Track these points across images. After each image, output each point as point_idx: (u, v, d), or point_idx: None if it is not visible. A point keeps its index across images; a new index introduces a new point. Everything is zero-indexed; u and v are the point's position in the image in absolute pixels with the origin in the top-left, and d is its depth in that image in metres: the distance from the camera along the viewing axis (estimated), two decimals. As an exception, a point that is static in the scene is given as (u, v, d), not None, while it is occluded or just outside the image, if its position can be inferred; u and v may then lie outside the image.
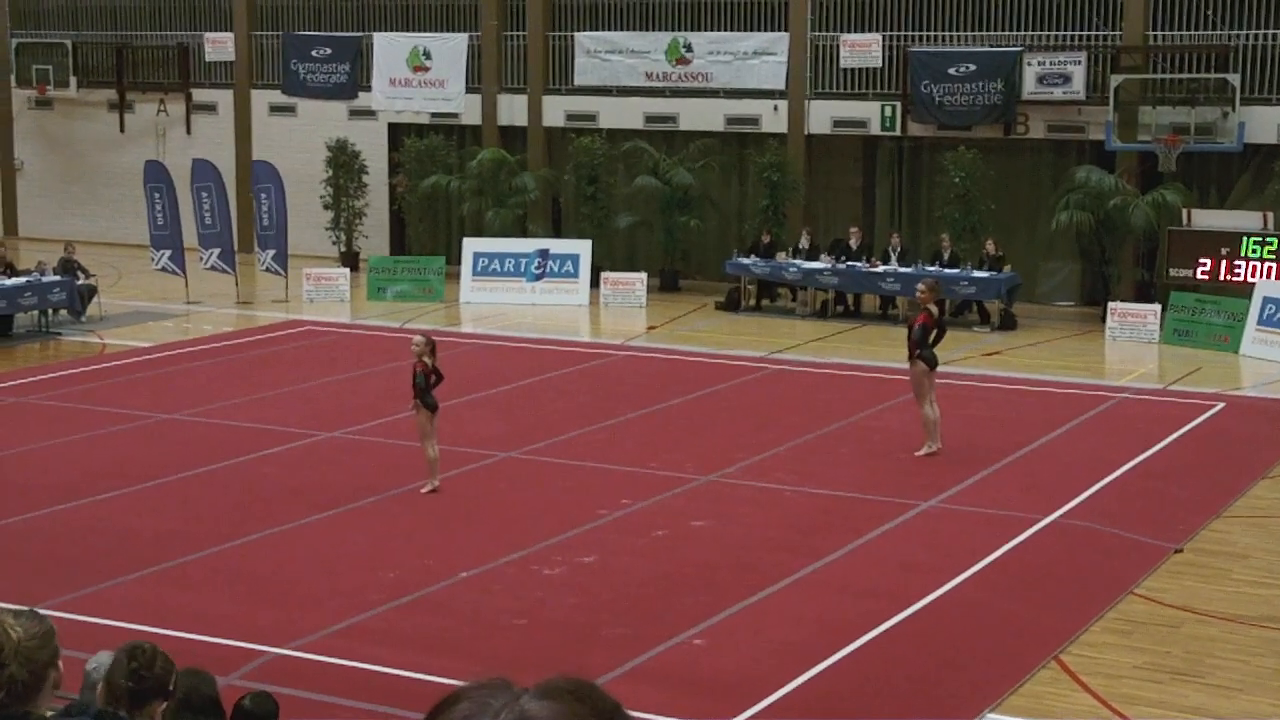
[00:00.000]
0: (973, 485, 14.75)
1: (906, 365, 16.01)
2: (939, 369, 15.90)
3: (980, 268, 24.02)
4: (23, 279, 22.84)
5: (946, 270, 23.81)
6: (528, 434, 16.63)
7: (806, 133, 27.66)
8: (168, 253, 26.01)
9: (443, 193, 28.90)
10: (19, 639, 4.36)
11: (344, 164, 30.09)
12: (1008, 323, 23.85)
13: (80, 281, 23.89)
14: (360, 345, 22.37)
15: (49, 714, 4.53)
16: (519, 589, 11.60)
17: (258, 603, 11.29)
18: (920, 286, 16.05)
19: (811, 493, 14.42)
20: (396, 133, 30.80)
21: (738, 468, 15.29)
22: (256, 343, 22.32)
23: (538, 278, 26.44)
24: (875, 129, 27.15)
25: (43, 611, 4.55)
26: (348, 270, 27.36)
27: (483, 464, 15.42)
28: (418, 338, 14.33)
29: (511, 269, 26.52)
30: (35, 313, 23.21)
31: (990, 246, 24.26)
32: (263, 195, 26.58)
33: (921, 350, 15.50)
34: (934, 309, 15.81)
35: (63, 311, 23.50)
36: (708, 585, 11.75)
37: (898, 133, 27.01)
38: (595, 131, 28.60)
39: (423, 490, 14.18)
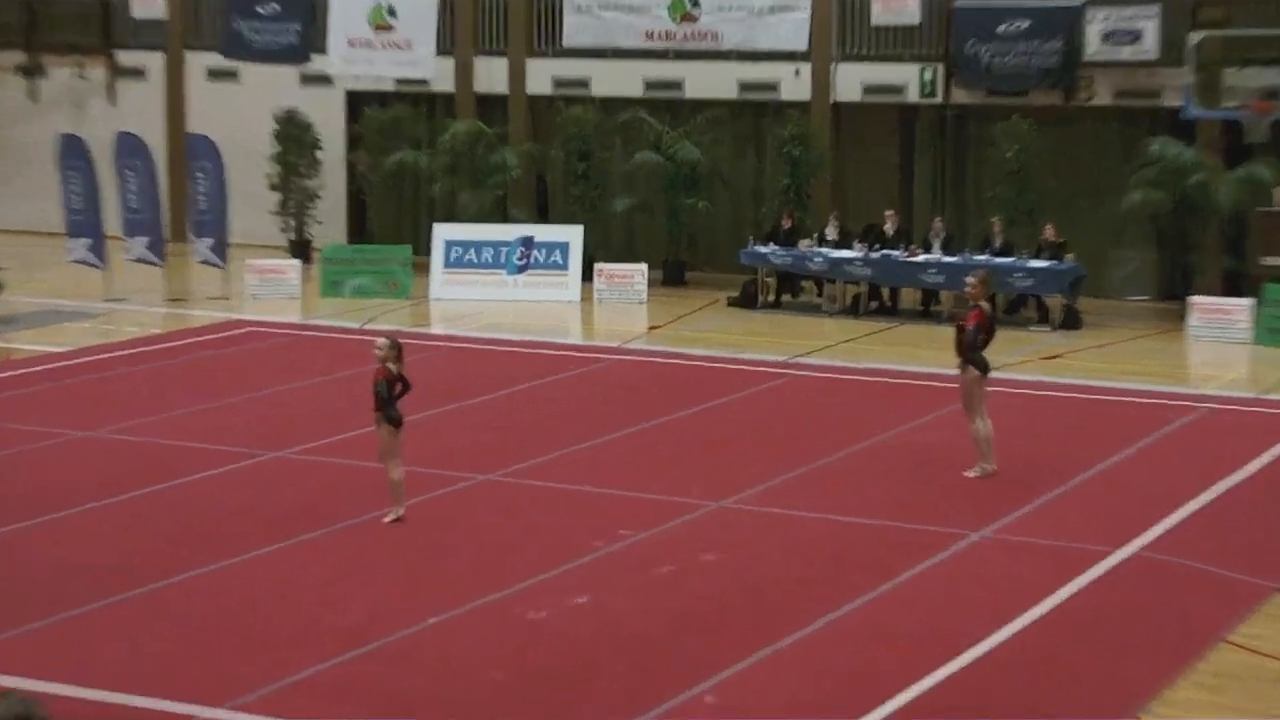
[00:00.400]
0: (1032, 512, 14.65)
1: (955, 371, 15.98)
2: (991, 375, 15.80)
3: (1038, 256, 23.97)
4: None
5: (998, 260, 23.72)
6: (509, 452, 16.53)
7: (833, 100, 27.65)
8: (86, 242, 26.00)
9: (410, 171, 28.90)
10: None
11: (294, 138, 30.08)
12: (1071, 321, 23.79)
13: (-16, 276, 23.85)
14: (313, 349, 22.33)
15: None
16: (498, 635, 11.50)
17: (190, 653, 11.18)
18: (970, 280, 16.00)
19: (841, 521, 14.33)
20: (356, 102, 30.80)
21: (754, 492, 15.20)
22: (191, 346, 22.24)
23: (521, 270, 26.39)
24: (913, 96, 27.15)
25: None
26: (299, 262, 27.33)
27: (456, 488, 15.34)
28: (382, 340, 14.28)
29: (490, 260, 26.48)
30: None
31: (1050, 232, 24.23)
32: (199, 175, 26.57)
33: (973, 355, 15.42)
34: (986, 305, 15.76)
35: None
36: (719, 631, 11.65)
37: (939, 100, 27.00)
38: (587, 100, 28.58)
39: (385, 519, 14.09)
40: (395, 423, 14.00)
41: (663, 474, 15.78)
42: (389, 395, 13.96)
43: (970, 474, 15.53)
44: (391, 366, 13.95)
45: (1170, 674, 10.98)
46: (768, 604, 12.21)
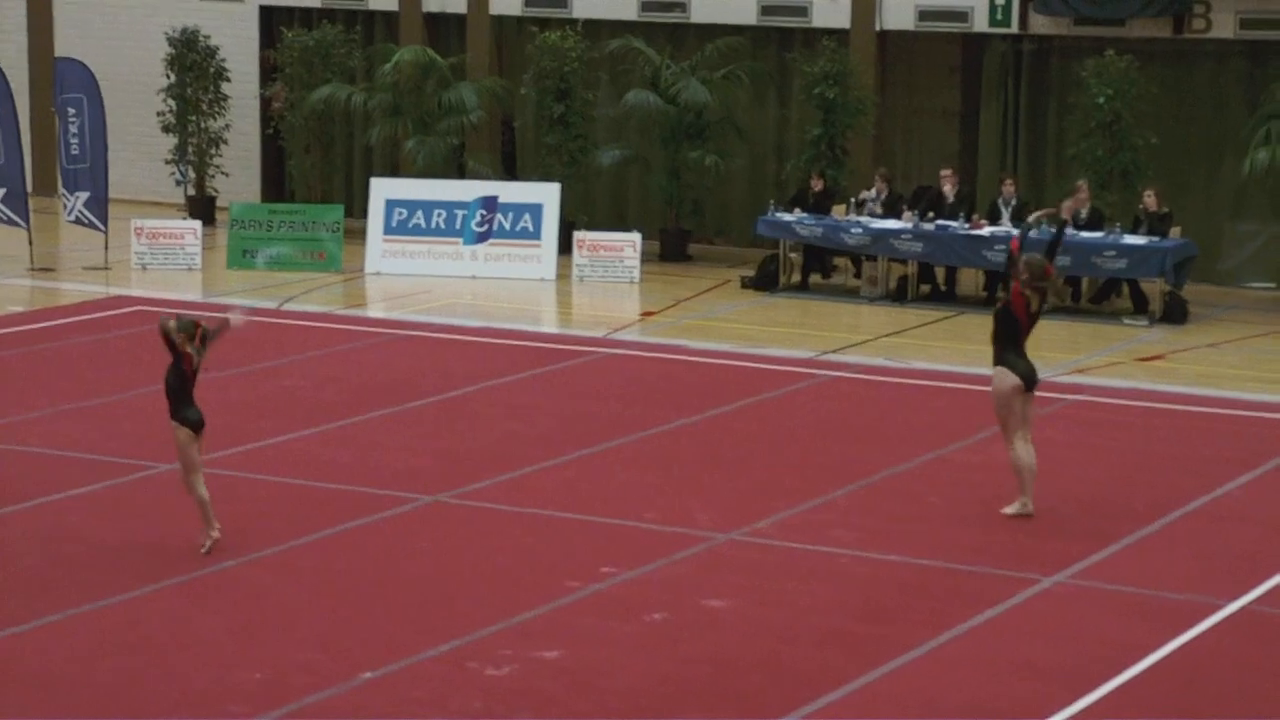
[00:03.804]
0: (1121, 553, 14.80)
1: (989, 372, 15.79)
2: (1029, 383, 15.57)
3: (1135, 231, 24.13)
4: None
5: (1084, 234, 23.89)
6: (465, 468, 16.68)
7: (879, 29, 27.77)
8: (-79, 193, 26.09)
9: (340, 111, 28.99)
10: None
11: (193, 65, 30.22)
12: (1175, 313, 23.99)
13: None
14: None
15: None
16: (450, 696, 11.61)
17: (59, 717, 11.25)
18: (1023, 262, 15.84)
19: (881, 560, 14.46)
20: (271, 20, 30.91)
21: (773, 521, 15.34)
22: (61, 329, 22.38)
23: (481, 239, 26.57)
24: (981, 24, 27.27)
25: None
26: (199, 224, 27.44)
27: (397, 511, 15.45)
28: (170, 321, 14.19)
29: (442, 225, 26.65)
30: None
31: (1151, 200, 24.35)
32: (70, 111, 26.60)
33: (1005, 353, 15.35)
34: (1033, 297, 15.50)
35: None
36: (724, 697, 11.75)
37: (1014, 29, 27.12)
38: (567, 23, 28.68)
39: (202, 549, 14.20)
40: (193, 425, 14.11)
41: (658, 497, 15.90)
42: (181, 386, 14.04)
43: (1008, 511, 15.54)
44: (191, 350, 13.98)
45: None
46: (787, 663, 12.31)
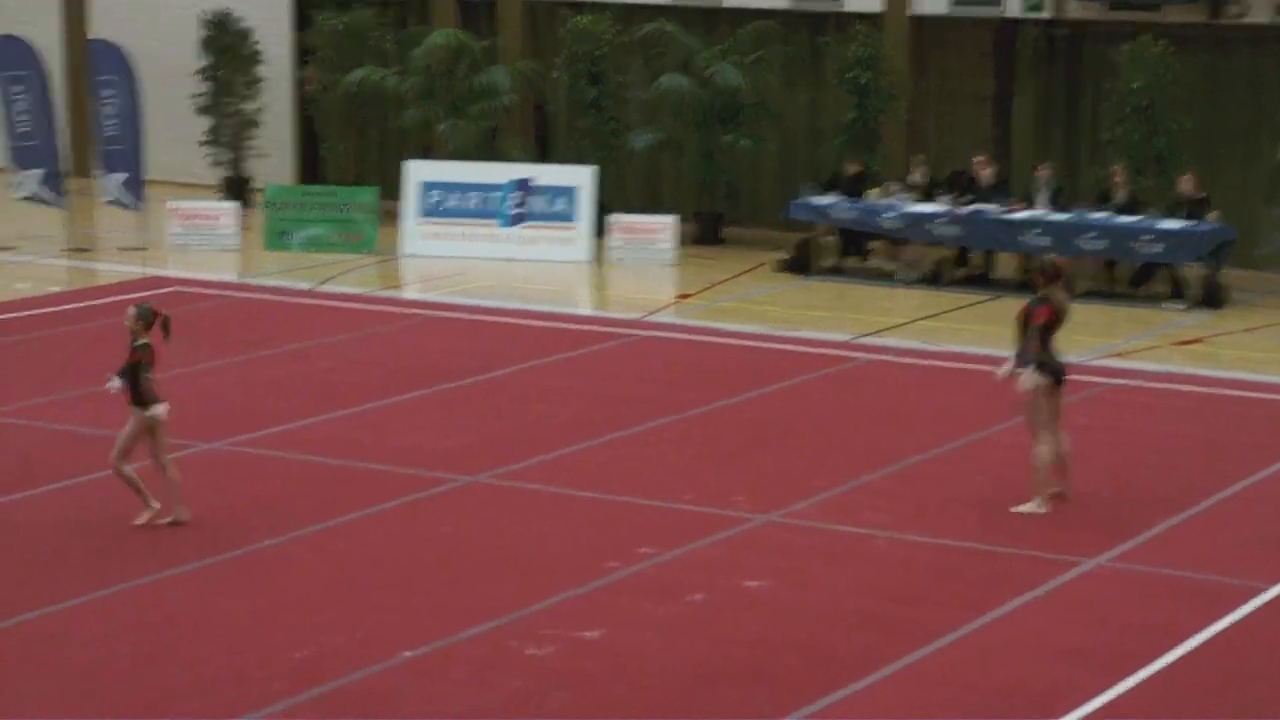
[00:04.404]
0: (1161, 535, 14.81)
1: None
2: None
3: (1172, 216, 24.11)
4: None
5: (1121, 218, 23.87)
6: (502, 449, 16.74)
7: (913, 13, 27.82)
8: (-38, 175, 26.23)
9: (374, 94, 29.05)
10: None
11: (229, 48, 30.34)
12: (1213, 297, 23.97)
13: None
14: (254, 315, 22.63)
15: None
16: (490, 676, 11.66)
17: (85, 699, 11.30)
18: (1042, 262, 15.76)
19: (919, 542, 14.49)
20: (306, 4, 30.96)
21: (810, 503, 15.39)
22: (99, 309, 22.42)
23: (516, 221, 26.63)
24: (1015, 9, 27.31)
25: None
26: (235, 206, 27.60)
27: (436, 491, 15.52)
28: (130, 309, 14.42)
29: (477, 208, 26.73)
30: None
31: (1187, 185, 24.33)
32: (106, 93, 26.65)
33: (1042, 358, 15.29)
34: (1061, 297, 15.36)
35: None
36: (761, 678, 11.79)
37: (1049, 14, 27.10)
38: (600, 7, 28.71)
39: (163, 520, 14.34)
40: (145, 405, 14.19)
41: (694, 479, 15.96)
42: (136, 375, 14.14)
43: (1023, 509, 15.30)
44: (146, 341, 14.16)
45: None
46: (823, 644, 12.35)
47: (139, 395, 14.20)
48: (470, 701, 11.30)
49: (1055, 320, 15.27)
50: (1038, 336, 15.16)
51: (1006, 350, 20.38)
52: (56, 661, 11.80)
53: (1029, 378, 15.16)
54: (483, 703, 11.29)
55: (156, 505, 14.36)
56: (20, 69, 26.42)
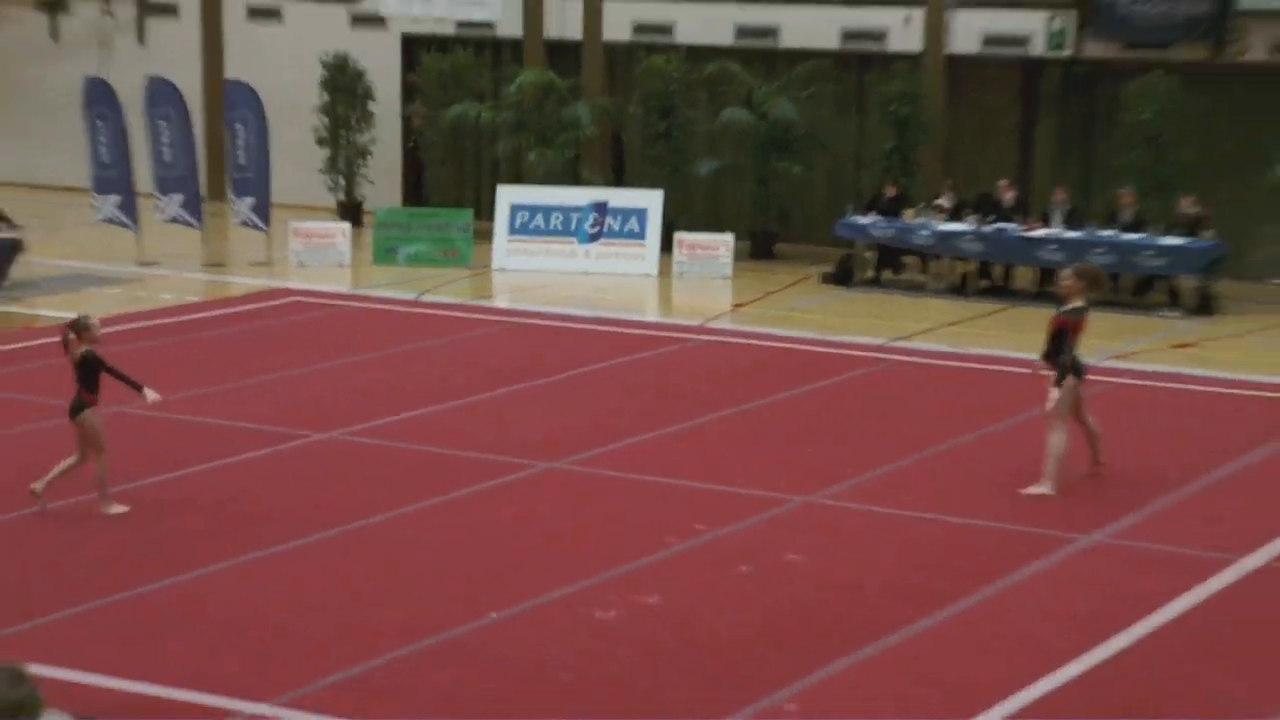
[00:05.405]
0: (1152, 515, 14.92)
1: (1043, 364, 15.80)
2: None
3: (1172, 233, 24.12)
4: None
5: (1126, 236, 23.93)
6: (577, 439, 16.92)
7: (947, 53, 27.87)
8: (115, 199, 26.45)
9: (471, 127, 29.30)
10: None
11: (344, 87, 30.62)
12: (1206, 306, 23.99)
13: (1, 234, 24.37)
14: (364, 321, 22.81)
15: None
16: (563, 635, 11.86)
17: (231, 647, 11.57)
18: (1067, 274, 15.86)
19: (941, 521, 14.64)
20: (412, 47, 31.25)
21: (846, 486, 15.54)
22: (230, 317, 22.74)
23: (593, 238, 26.81)
24: (1039, 49, 27.32)
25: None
26: (348, 225, 27.82)
27: (518, 476, 15.71)
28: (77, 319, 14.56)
29: (559, 226, 26.91)
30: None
31: (1188, 205, 24.32)
32: (238, 127, 26.95)
33: (1076, 359, 15.36)
34: (1081, 307, 15.40)
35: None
36: (801, 636, 11.97)
37: (1069, 54, 27.10)
38: (670, 49, 28.89)
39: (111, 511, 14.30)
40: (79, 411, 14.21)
41: (745, 465, 16.11)
42: (87, 380, 14.17)
43: (1031, 491, 15.38)
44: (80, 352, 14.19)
45: (1293, 695, 11.29)
46: (855, 609, 12.53)
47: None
48: (547, 655, 11.51)
49: (1077, 330, 15.38)
50: (1061, 343, 15.28)
51: (1023, 352, 20.67)
52: (210, 614, 12.10)
53: (1070, 380, 15.26)
54: (557, 656, 11.50)
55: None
56: (166, 107, 26.69)
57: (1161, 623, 12.41)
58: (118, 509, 14.36)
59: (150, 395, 14.62)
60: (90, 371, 14.23)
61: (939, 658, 11.69)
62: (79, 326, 14.44)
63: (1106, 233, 24.19)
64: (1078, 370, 15.43)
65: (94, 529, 14.06)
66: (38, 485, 14.33)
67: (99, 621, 12.05)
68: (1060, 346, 15.33)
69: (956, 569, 13.44)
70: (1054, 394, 15.26)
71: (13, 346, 20.73)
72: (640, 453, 16.58)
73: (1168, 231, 24.20)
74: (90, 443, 14.29)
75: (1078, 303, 15.44)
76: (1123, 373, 20.18)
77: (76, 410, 14.26)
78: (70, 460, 14.38)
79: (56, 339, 14.88)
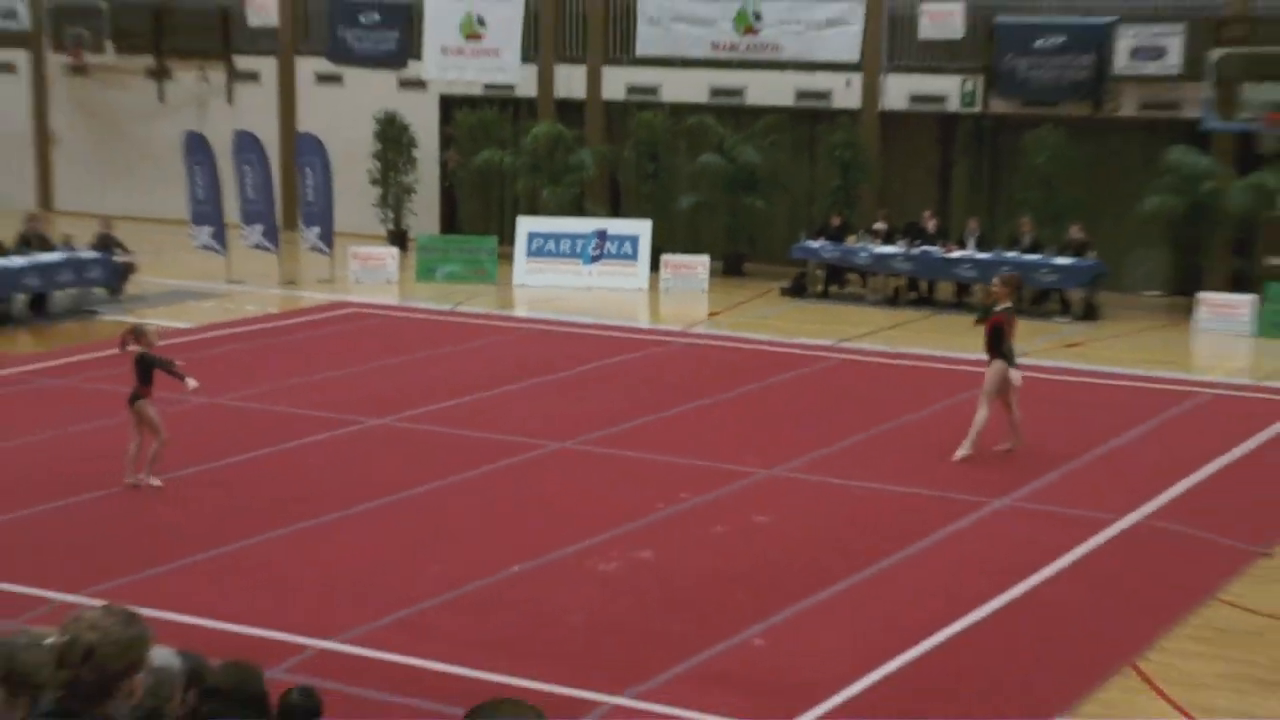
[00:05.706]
0: (1049, 484, 14.89)
1: (983, 356, 15.86)
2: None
3: (1063, 254, 24.06)
4: (58, 254, 23.28)
5: (1026, 256, 23.88)
6: (582, 424, 16.86)
7: (881, 109, 27.77)
8: (209, 229, 26.38)
9: (496, 169, 29.20)
10: (93, 641, 4.49)
11: (393, 137, 30.47)
12: (1091, 313, 23.92)
13: (118, 258, 24.34)
14: (408, 328, 22.71)
15: None
16: (573, 585, 11.84)
17: (298, 596, 11.55)
18: (995, 282, 15.95)
19: (880, 489, 14.60)
20: (448, 105, 31.14)
21: (803, 461, 15.48)
22: (301, 325, 22.68)
23: (595, 260, 26.70)
24: (954, 105, 27.22)
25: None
26: (396, 250, 27.73)
27: (533, 455, 15.65)
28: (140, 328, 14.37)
29: (567, 250, 26.80)
30: (71, 291, 23.69)
31: (1075, 232, 24.27)
32: (307, 170, 26.89)
33: (1007, 350, 15.41)
34: (1009, 307, 15.47)
35: (99, 290, 23.99)
36: (769, 583, 11.96)
37: (978, 109, 27.05)
38: (657, 105, 28.81)
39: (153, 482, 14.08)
40: (135, 400, 13.98)
41: (720, 444, 16.06)
42: (142, 375, 13.96)
43: (958, 454, 15.35)
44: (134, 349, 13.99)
45: (1167, 626, 11.27)
46: (812, 561, 12.51)
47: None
48: (558, 601, 11.50)
49: (1010, 327, 15.49)
50: (997, 339, 15.30)
51: (946, 351, 20.66)
52: (277, 569, 12.05)
53: (1015, 373, 15.29)
54: (567, 602, 11.49)
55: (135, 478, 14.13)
56: (249, 153, 26.64)
57: (1059, 569, 12.40)
58: (156, 482, 14.13)
59: (190, 383, 14.40)
60: (145, 369, 14.04)
61: (879, 601, 11.68)
62: (137, 332, 14.26)
63: (1011, 254, 24.10)
64: (1009, 358, 15.36)
65: (178, 501, 13.97)
66: (128, 479, 14.15)
67: (188, 576, 11.99)
68: (999, 340, 15.33)
69: (893, 528, 13.42)
70: (1013, 374, 15.27)
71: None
72: (635, 435, 16.52)
73: (1059, 253, 24.12)
74: (145, 426, 14.10)
75: (1006, 304, 15.55)
76: (1024, 368, 19.91)
77: (134, 400, 14.08)
78: (132, 446, 14.15)
79: (162, 343, 14.74)
